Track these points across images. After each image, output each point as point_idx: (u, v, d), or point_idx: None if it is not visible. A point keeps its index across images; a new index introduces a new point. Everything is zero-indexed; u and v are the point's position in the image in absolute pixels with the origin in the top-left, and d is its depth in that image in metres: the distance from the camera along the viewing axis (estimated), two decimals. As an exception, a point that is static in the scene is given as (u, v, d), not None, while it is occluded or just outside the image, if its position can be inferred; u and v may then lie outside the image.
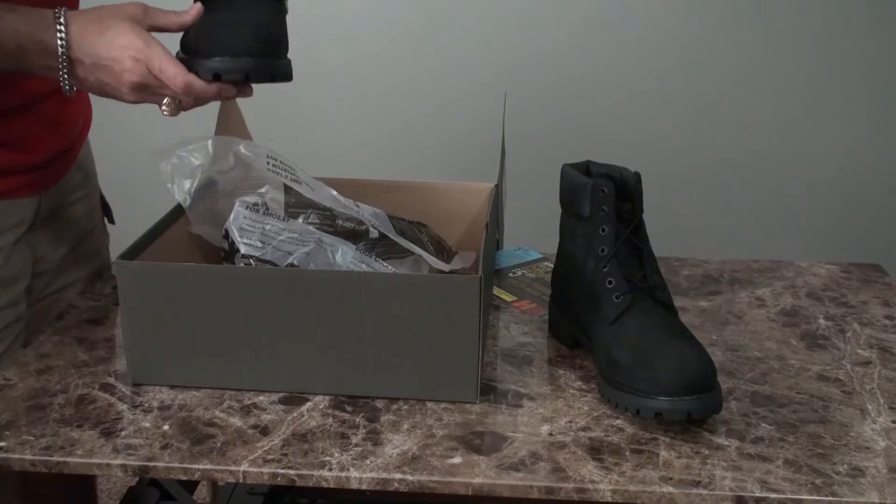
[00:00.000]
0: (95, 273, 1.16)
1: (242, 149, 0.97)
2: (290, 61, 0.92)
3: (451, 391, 0.87)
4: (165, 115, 0.89)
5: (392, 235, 0.97)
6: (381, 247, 0.99)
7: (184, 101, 0.88)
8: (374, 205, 1.04)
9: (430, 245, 1.05)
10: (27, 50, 0.83)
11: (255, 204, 0.98)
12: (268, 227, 0.96)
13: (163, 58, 0.84)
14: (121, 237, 1.14)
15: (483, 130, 1.71)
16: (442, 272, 0.94)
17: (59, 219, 1.08)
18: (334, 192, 0.97)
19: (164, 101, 0.88)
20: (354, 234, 0.99)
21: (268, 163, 0.96)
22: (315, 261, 0.95)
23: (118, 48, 0.83)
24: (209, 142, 0.99)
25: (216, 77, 0.86)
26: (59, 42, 0.83)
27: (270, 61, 0.89)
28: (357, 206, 0.98)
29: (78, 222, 1.11)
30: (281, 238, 0.96)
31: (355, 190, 1.06)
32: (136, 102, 0.88)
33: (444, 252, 1.06)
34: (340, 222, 1.00)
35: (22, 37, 0.83)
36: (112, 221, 1.19)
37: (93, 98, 1.06)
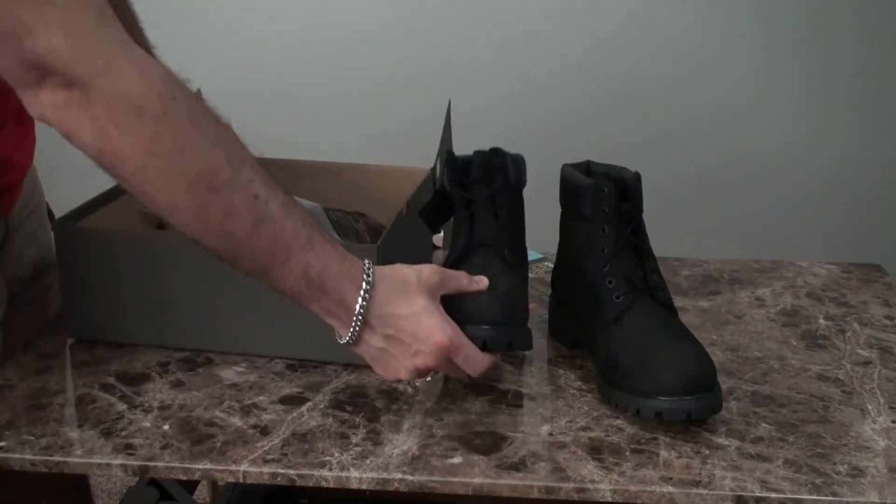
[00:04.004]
0: (53, 285, 1.12)
1: None
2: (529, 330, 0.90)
3: (356, 355, 0.91)
4: (417, 385, 0.86)
5: (327, 229, 0.98)
6: None
7: (427, 379, 0.85)
8: (317, 188, 1.08)
9: (367, 235, 1.07)
10: (324, 290, 0.76)
11: None
12: None
13: (470, 347, 0.79)
14: None
15: (486, 130, 1.71)
16: None
17: (21, 238, 1.05)
18: None
19: (419, 380, 0.84)
20: None
21: None
22: None
23: (425, 329, 0.77)
24: None
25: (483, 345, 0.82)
26: (360, 299, 0.76)
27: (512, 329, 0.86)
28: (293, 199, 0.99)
29: (35, 236, 1.10)
30: None
31: (301, 170, 1.13)
32: (397, 379, 0.81)
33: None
34: None
35: (329, 276, 0.75)
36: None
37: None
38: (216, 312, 0.95)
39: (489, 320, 0.83)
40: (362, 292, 0.76)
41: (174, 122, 0.68)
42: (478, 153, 0.98)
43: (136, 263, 0.95)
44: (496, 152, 0.96)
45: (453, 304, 0.82)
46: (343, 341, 0.79)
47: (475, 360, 0.80)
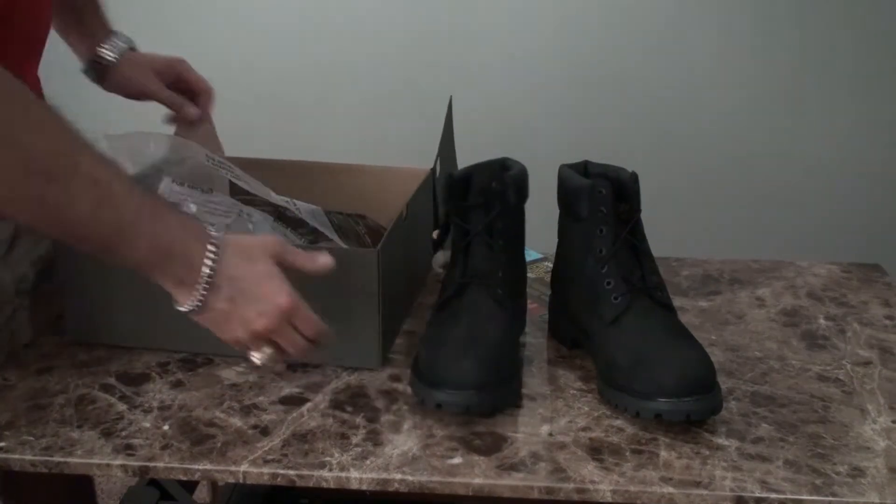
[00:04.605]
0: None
1: (204, 156, 0.98)
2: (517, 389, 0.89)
3: (355, 358, 0.93)
4: (256, 362, 0.84)
5: (328, 233, 0.99)
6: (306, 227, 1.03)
7: (276, 358, 0.84)
8: (316, 189, 1.07)
9: (367, 237, 1.08)
10: (173, 257, 0.76)
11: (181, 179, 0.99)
12: (193, 199, 0.97)
13: (308, 311, 0.82)
14: None
15: (484, 130, 1.71)
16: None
17: (27, 238, 1.06)
18: (272, 193, 0.98)
19: (264, 353, 0.83)
20: (292, 221, 1.03)
21: (207, 159, 0.97)
22: (235, 230, 0.97)
23: (268, 290, 0.79)
24: (169, 137, 1.01)
25: (438, 407, 0.83)
26: (209, 261, 0.77)
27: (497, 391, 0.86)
28: (295, 203, 0.99)
29: (41, 238, 1.10)
30: (205, 209, 0.97)
31: (300, 171, 1.13)
32: (236, 341, 0.82)
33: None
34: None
35: (178, 243, 0.76)
36: None
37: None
38: None
39: (472, 385, 0.82)
40: (211, 254, 0.77)
41: (4, 115, 0.68)
42: (479, 170, 0.95)
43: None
44: (496, 177, 0.93)
45: (435, 367, 0.83)
46: (186, 309, 0.79)
47: (311, 322, 0.82)
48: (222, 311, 0.79)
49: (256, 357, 0.83)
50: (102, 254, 0.76)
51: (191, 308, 0.78)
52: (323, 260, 0.84)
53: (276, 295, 0.79)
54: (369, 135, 2.06)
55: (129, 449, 0.81)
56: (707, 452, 0.80)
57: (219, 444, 0.81)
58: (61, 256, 0.98)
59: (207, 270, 0.77)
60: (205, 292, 0.78)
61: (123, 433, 0.83)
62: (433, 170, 1.14)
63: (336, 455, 0.80)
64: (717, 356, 0.96)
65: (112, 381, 0.92)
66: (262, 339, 0.81)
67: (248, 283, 0.79)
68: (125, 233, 0.74)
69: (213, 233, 0.78)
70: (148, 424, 0.84)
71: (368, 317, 0.91)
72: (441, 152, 1.14)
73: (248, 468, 0.78)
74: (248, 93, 1.99)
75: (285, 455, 0.80)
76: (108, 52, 1.10)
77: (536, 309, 1.08)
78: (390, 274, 0.94)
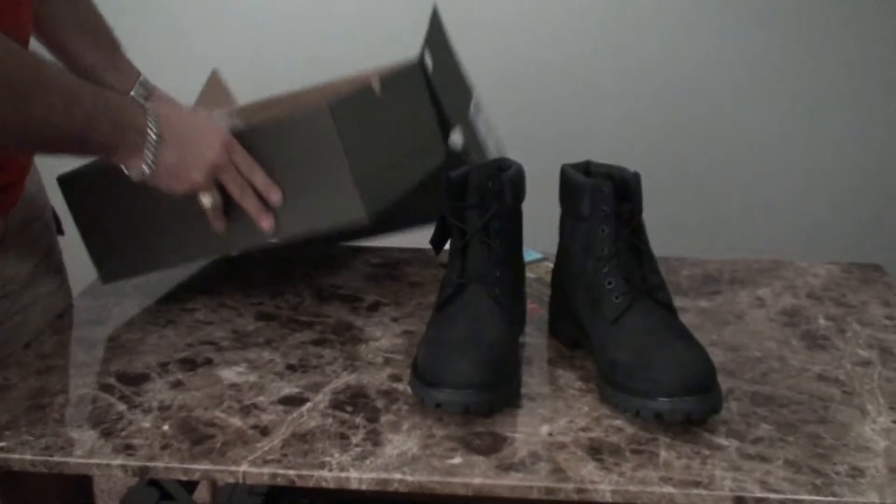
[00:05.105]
0: (58, 288, 1.14)
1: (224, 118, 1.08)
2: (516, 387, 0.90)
3: (337, 212, 0.96)
4: (204, 203, 0.94)
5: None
6: None
7: (219, 202, 0.95)
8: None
9: None
10: (125, 127, 0.87)
11: None
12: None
13: (236, 141, 0.93)
14: (71, 249, 1.13)
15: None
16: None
17: (22, 236, 1.07)
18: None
19: (211, 192, 0.94)
20: None
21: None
22: None
23: (206, 128, 0.92)
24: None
25: (437, 407, 0.84)
26: (150, 123, 0.89)
27: (496, 392, 0.85)
28: None
29: (37, 239, 1.10)
30: None
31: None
32: (192, 188, 0.93)
33: None
34: None
35: (126, 115, 0.88)
36: (62, 233, 1.17)
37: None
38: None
39: (471, 384, 0.82)
40: (151, 116, 0.89)
41: None
42: (475, 171, 0.95)
43: (140, 190, 0.96)
44: (493, 176, 0.94)
45: (434, 366, 0.83)
46: (146, 170, 0.89)
47: (247, 159, 0.93)
48: (173, 163, 0.90)
49: (206, 199, 0.94)
50: (78, 147, 0.88)
51: (148, 167, 0.89)
52: (274, 194, 0.95)
53: (216, 133, 0.92)
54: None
55: (128, 449, 0.81)
56: (707, 452, 0.80)
57: (219, 445, 0.81)
58: (74, 205, 1.06)
59: (153, 128, 0.88)
60: (154, 148, 0.89)
61: (123, 433, 0.83)
62: (421, 64, 1.12)
63: (336, 455, 0.80)
64: (717, 356, 0.96)
65: (112, 381, 0.92)
66: (212, 178, 0.92)
67: (186, 129, 0.91)
68: (93, 122, 0.85)
69: (141, 101, 0.93)
70: (148, 424, 0.84)
71: (336, 166, 0.93)
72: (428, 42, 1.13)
73: (248, 468, 0.78)
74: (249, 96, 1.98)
75: (285, 455, 0.80)
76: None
77: (536, 309, 1.08)
78: (355, 127, 0.95)
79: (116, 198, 1.03)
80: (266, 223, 0.95)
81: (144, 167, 0.89)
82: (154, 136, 0.89)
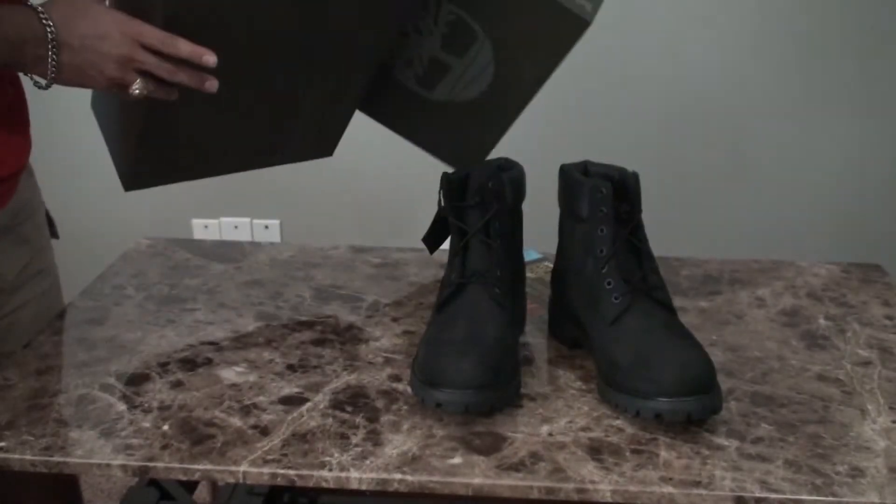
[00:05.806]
0: (48, 290, 1.13)
1: None
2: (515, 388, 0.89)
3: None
4: (136, 94, 0.88)
5: None
6: None
7: (151, 86, 0.89)
8: None
9: None
10: (23, 44, 0.85)
11: None
12: None
13: (146, 25, 0.86)
14: (65, 252, 1.12)
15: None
16: None
17: (11, 237, 1.06)
18: None
19: (136, 82, 0.88)
20: None
21: None
22: None
23: (105, 23, 0.86)
24: None
25: (437, 406, 0.83)
26: (47, 29, 0.85)
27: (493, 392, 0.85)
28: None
29: (28, 241, 1.09)
30: None
31: None
32: (111, 85, 0.88)
33: None
34: None
35: (23, 28, 0.85)
36: (56, 236, 1.16)
37: (38, 108, 1.07)
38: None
39: (471, 384, 0.82)
40: (43, 21, 0.85)
41: None
42: (476, 170, 0.95)
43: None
44: (493, 176, 0.94)
45: (434, 366, 0.83)
46: (51, 77, 0.87)
47: (159, 36, 0.86)
48: (78, 65, 0.87)
49: (136, 88, 0.87)
50: None
51: (52, 73, 0.87)
52: (208, 58, 0.87)
53: (114, 26, 0.86)
54: (368, 134, 2.05)
55: (128, 449, 0.81)
56: (707, 452, 0.80)
57: (219, 444, 0.81)
58: (101, 113, 1.05)
59: (49, 31, 0.85)
60: (55, 52, 0.86)
61: (123, 433, 0.83)
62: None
63: (336, 455, 0.80)
64: (717, 356, 0.96)
65: (112, 381, 0.92)
66: (130, 69, 0.87)
67: (89, 27, 0.86)
68: None
69: (32, 6, 0.88)
70: (148, 424, 0.84)
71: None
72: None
73: (248, 468, 0.78)
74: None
75: (285, 455, 0.80)
76: None
77: (536, 309, 1.08)
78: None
79: (145, 106, 0.97)
80: (209, 85, 0.89)
81: (50, 73, 0.87)
82: (51, 38, 0.86)
